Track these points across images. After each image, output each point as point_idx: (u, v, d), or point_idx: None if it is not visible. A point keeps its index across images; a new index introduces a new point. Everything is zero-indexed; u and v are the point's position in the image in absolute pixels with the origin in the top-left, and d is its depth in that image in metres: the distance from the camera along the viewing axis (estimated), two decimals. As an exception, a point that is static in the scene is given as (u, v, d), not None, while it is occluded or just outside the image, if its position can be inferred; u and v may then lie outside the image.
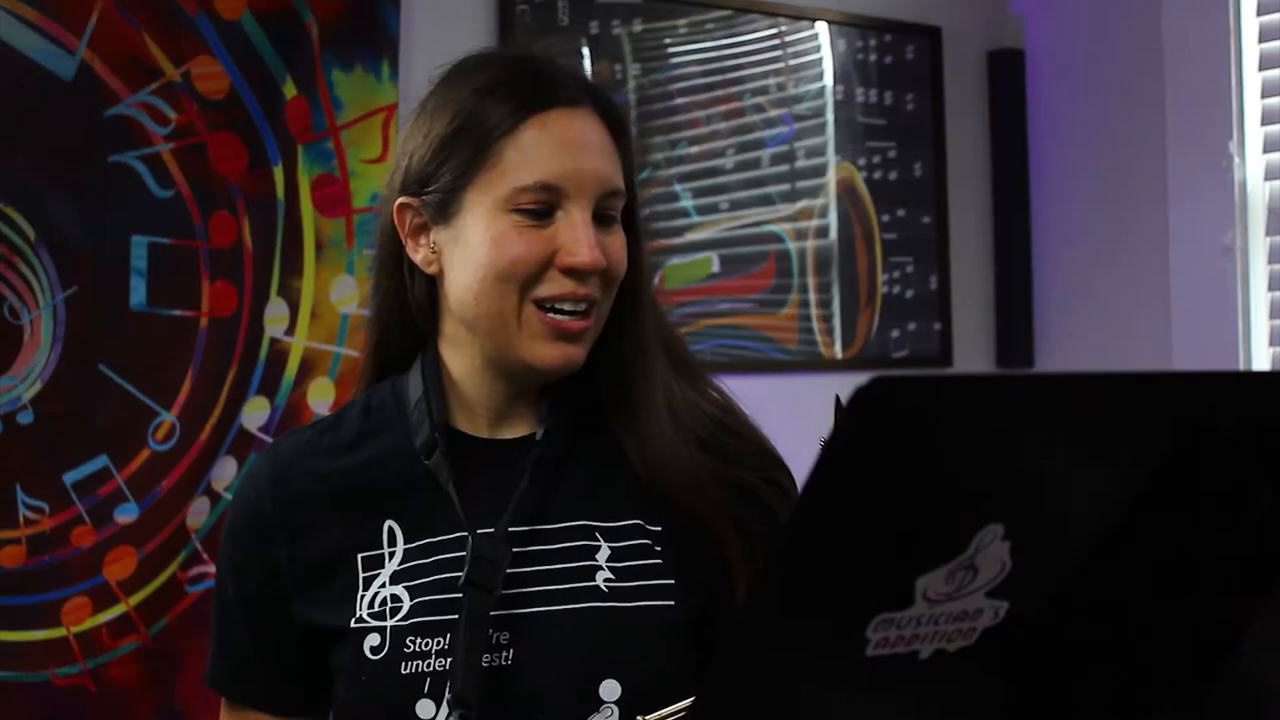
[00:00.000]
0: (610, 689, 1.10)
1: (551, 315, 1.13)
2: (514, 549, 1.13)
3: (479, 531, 1.13)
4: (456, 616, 1.10)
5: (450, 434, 1.18)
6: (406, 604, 1.13)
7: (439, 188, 1.16)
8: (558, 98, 1.15)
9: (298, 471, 1.20)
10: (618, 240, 1.16)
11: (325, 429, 1.24)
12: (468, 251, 1.14)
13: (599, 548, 1.14)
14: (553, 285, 1.13)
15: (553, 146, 1.14)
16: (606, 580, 1.13)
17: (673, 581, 1.14)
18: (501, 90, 1.15)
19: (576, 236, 1.12)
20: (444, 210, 1.16)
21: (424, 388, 1.18)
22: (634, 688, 1.10)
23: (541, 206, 1.13)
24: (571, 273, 1.12)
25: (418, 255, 1.18)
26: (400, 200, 1.18)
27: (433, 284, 1.19)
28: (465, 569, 1.11)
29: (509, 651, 1.11)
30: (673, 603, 1.13)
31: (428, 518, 1.16)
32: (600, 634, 1.11)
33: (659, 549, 1.15)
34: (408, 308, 1.21)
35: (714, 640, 1.14)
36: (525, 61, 1.21)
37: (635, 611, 1.12)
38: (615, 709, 1.10)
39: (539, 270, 1.13)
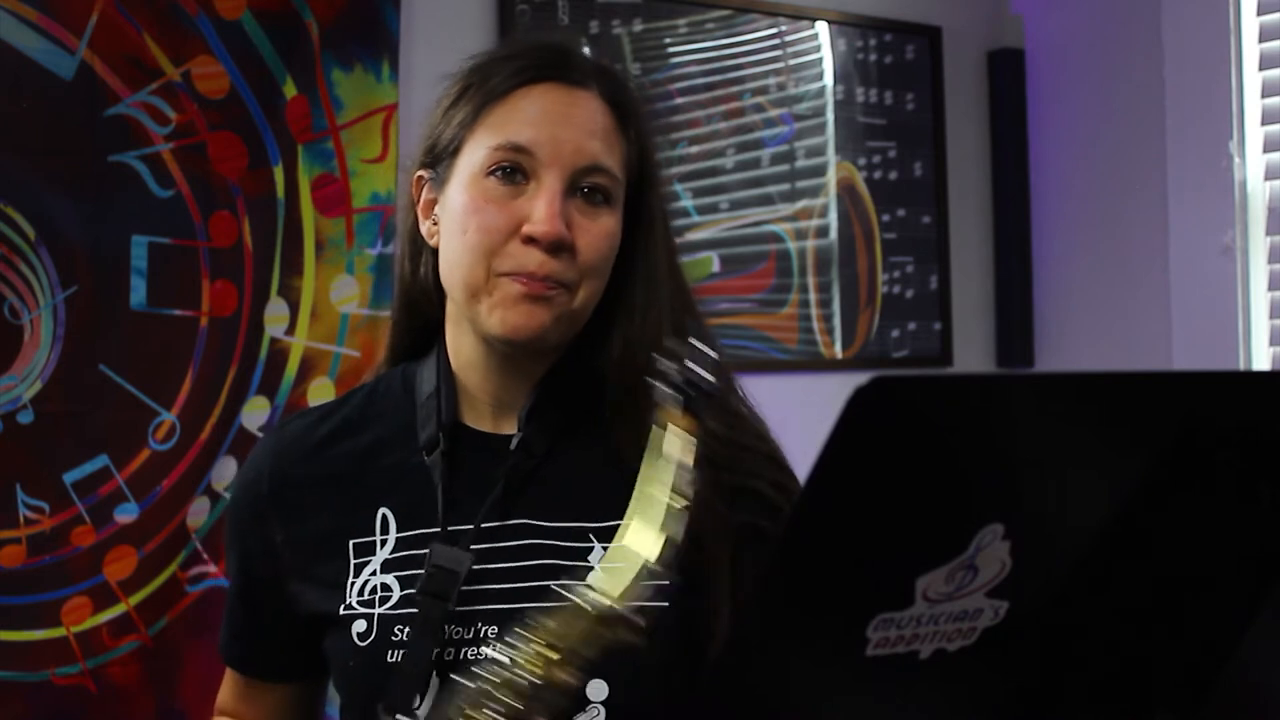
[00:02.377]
0: (597, 689, 1.08)
1: (518, 280, 1.10)
2: (513, 543, 1.12)
3: (450, 529, 1.12)
4: (450, 608, 1.10)
5: (456, 429, 1.17)
6: (396, 594, 1.12)
7: (440, 151, 1.16)
8: (560, 75, 1.15)
9: (297, 454, 1.20)
10: (599, 224, 1.13)
11: (329, 413, 1.23)
12: (451, 219, 1.14)
13: (592, 549, 1.12)
14: (513, 258, 1.10)
15: (536, 112, 1.13)
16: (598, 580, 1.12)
17: (666, 581, 1.11)
18: (509, 60, 1.16)
19: (539, 204, 1.09)
20: (442, 179, 1.16)
21: (436, 382, 1.17)
22: (622, 689, 1.08)
23: (511, 166, 1.11)
24: (533, 244, 1.09)
25: (424, 228, 1.18)
26: (418, 173, 1.19)
27: (438, 260, 1.18)
28: (422, 578, 1.10)
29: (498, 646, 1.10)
30: (667, 603, 1.09)
31: (421, 508, 1.15)
32: None
33: None
34: (420, 288, 1.21)
35: (705, 643, 1.11)
36: (544, 42, 1.22)
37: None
38: (602, 709, 1.07)
39: (503, 240, 1.10)
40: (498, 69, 1.16)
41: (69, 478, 2.12)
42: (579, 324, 1.15)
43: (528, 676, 0.91)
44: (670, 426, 0.92)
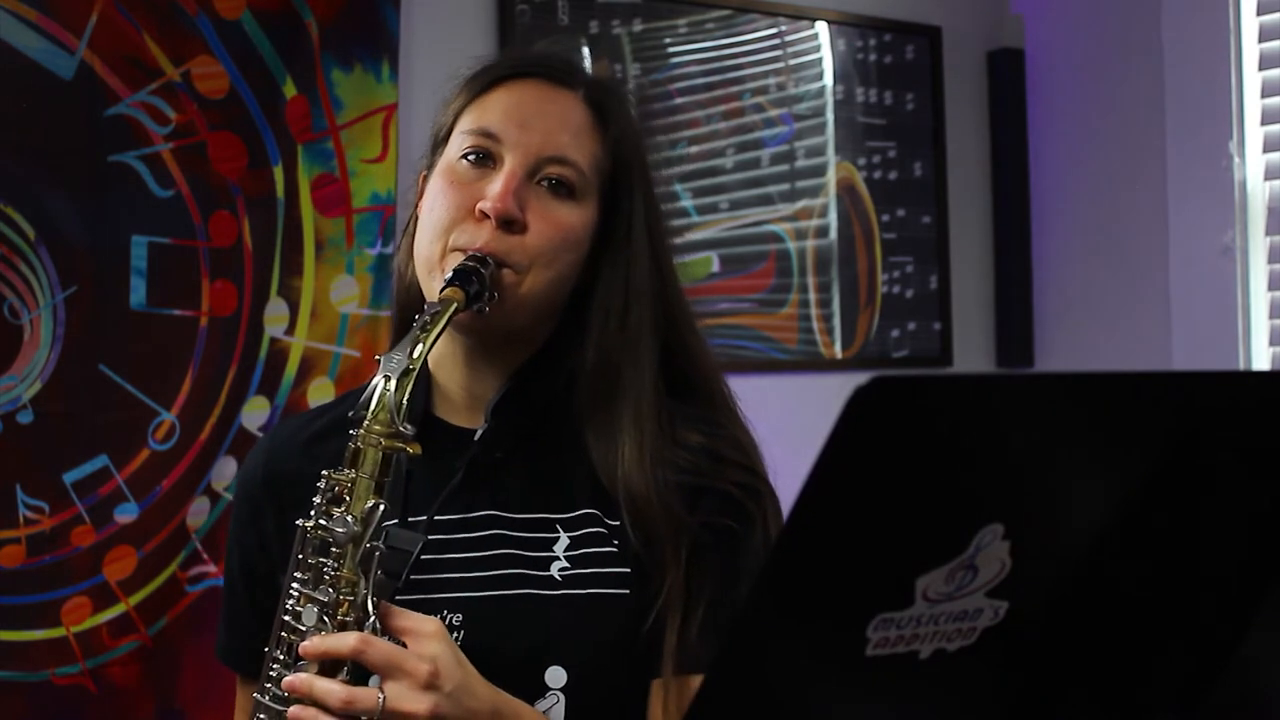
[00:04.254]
0: (556, 676, 1.11)
1: (464, 253, 1.13)
2: (476, 534, 1.15)
3: (410, 519, 1.15)
4: (415, 596, 1.12)
5: (430, 422, 1.19)
6: None
7: (436, 144, 1.21)
8: (544, 73, 1.20)
9: (290, 449, 1.24)
10: (556, 213, 1.15)
11: (324, 410, 1.29)
12: (426, 203, 1.18)
13: (557, 539, 1.15)
14: (466, 234, 1.13)
15: (511, 103, 1.17)
16: (561, 569, 1.14)
17: (629, 570, 1.14)
18: (504, 59, 1.23)
19: (495, 182, 1.13)
20: (432, 169, 1.21)
21: None
22: (579, 676, 1.10)
23: (480, 151, 1.15)
24: (485, 220, 1.13)
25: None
26: (424, 170, 1.23)
27: None
28: (377, 558, 1.11)
29: (460, 633, 1.12)
30: (627, 591, 1.13)
31: (395, 501, 1.16)
32: (548, 621, 1.12)
33: (616, 542, 1.15)
34: (409, 283, 1.23)
35: (659, 635, 1.13)
36: (543, 48, 1.26)
37: (586, 599, 1.13)
38: (560, 696, 1.10)
39: (462, 217, 1.14)
40: (492, 66, 1.21)
41: (69, 478, 2.12)
42: (529, 313, 1.16)
43: (341, 526, 1.04)
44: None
